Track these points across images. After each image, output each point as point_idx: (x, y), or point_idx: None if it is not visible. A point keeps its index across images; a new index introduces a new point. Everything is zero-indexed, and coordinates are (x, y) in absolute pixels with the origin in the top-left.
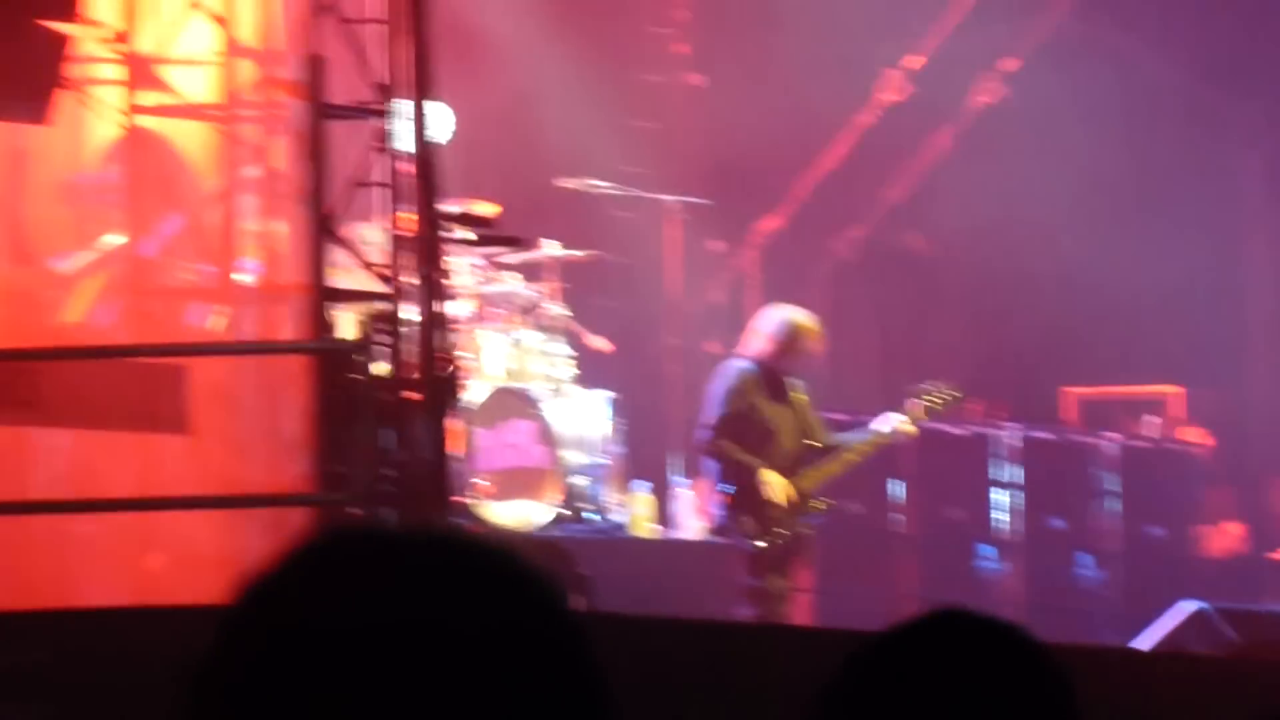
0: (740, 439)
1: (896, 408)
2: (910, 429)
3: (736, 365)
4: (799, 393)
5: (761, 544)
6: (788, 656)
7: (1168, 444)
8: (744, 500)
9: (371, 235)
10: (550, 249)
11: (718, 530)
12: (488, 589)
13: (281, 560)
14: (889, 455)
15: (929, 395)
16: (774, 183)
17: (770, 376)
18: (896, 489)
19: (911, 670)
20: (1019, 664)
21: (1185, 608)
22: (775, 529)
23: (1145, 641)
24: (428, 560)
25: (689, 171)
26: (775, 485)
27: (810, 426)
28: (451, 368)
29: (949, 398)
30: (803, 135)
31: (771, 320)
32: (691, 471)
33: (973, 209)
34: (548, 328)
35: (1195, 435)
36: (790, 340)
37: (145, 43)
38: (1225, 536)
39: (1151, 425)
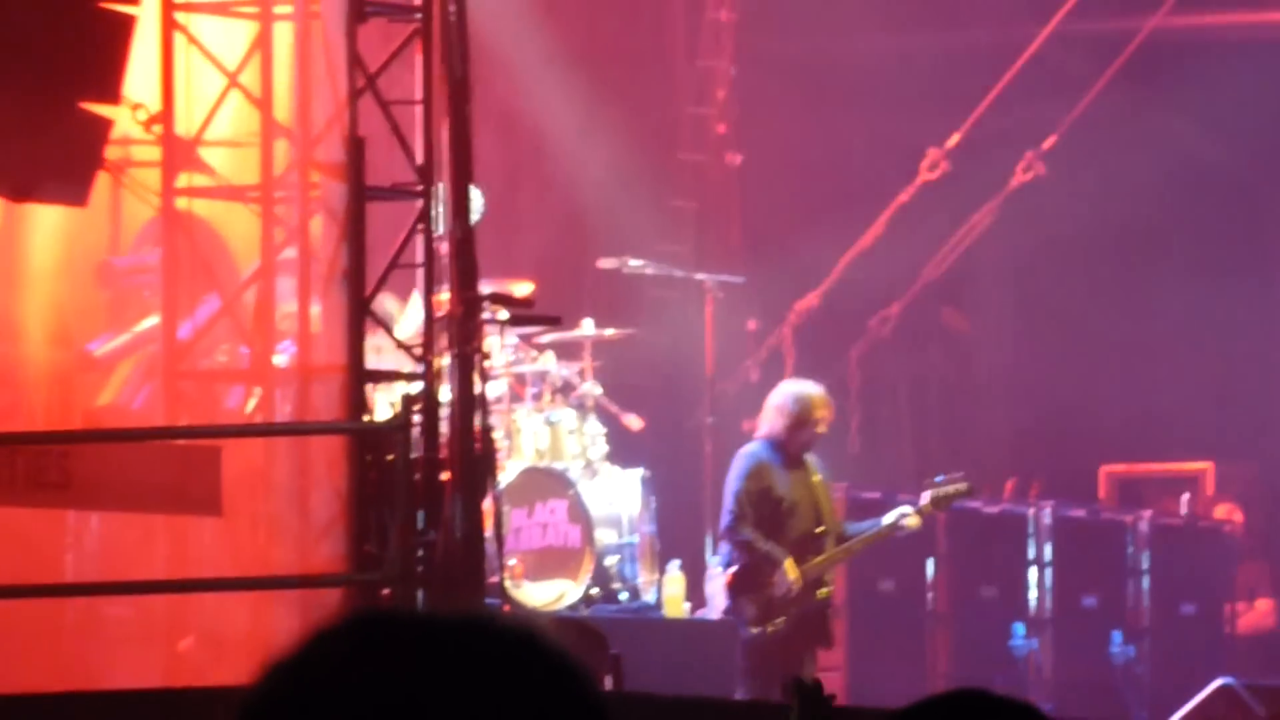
0: (759, 523)
1: (930, 486)
2: (913, 522)
3: (747, 449)
4: (816, 473)
5: (755, 630)
6: None
7: (1198, 521)
8: (747, 585)
9: (391, 306)
10: (585, 328)
11: (726, 614)
12: (513, 674)
13: (304, 642)
14: (922, 534)
15: (938, 487)
16: (810, 261)
17: (785, 453)
18: (929, 567)
19: None
20: None
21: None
22: (775, 616)
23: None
24: (451, 644)
25: (725, 250)
26: (786, 572)
27: (824, 510)
28: (486, 448)
29: (956, 491)
30: (838, 214)
31: (781, 396)
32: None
33: (1008, 286)
34: (581, 406)
35: (1225, 511)
36: (801, 414)
37: (182, 124)
38: (1257, 613)
39: (1182, 503)
